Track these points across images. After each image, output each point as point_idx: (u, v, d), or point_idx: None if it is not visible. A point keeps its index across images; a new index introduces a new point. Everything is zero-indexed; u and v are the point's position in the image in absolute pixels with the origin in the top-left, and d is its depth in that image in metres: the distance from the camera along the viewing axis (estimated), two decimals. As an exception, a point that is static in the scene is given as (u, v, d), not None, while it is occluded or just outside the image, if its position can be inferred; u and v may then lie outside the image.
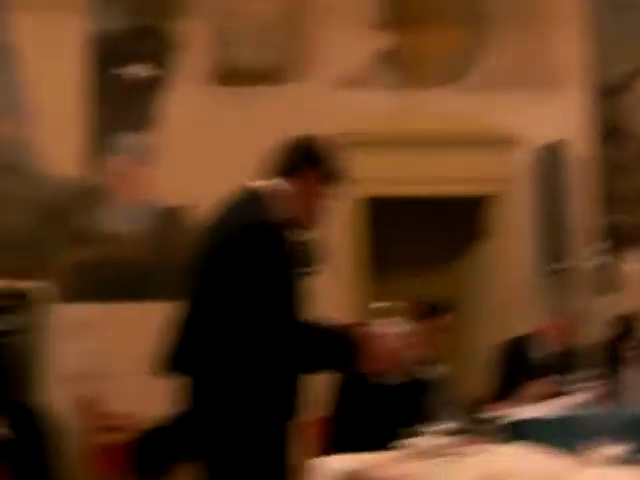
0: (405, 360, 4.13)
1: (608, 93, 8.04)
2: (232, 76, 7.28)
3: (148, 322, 4.53)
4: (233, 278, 3.07)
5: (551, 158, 7.65)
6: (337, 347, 3.17)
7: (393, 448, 3.82)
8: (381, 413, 4.16)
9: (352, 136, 7.47)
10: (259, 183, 3.34)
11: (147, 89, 7.34)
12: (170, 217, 7.17)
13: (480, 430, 4.49)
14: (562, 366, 5.91)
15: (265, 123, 7.26)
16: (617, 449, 2.84)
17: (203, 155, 7.06)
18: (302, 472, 3.93)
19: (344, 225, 7.45)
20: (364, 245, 7.49)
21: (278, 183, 3.31)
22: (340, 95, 7.54)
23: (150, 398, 4.91)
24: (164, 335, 3.24)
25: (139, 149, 7.27)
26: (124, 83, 7.30)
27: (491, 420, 5.19)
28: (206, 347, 3.13)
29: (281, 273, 3.17)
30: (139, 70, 7.33)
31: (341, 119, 7.43)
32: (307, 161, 3.33)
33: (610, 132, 8.03)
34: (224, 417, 3.11)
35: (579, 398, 5.54)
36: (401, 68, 7.74)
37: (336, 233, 7.38)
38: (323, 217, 3.41)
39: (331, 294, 7.29)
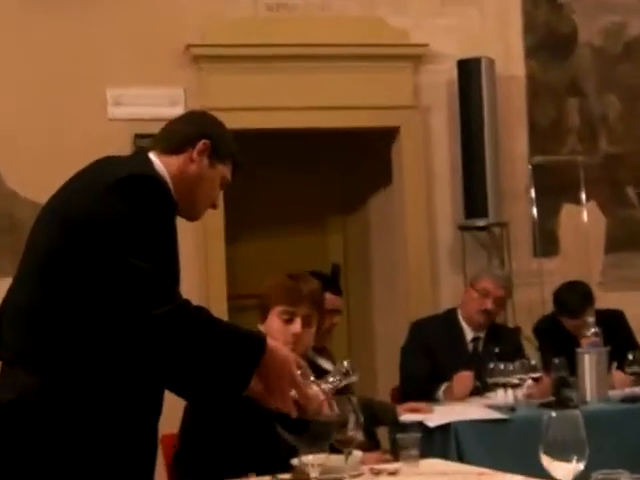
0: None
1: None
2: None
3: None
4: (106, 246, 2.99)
5: (471, 78, 7.60)
6: (240, 348, 3.04)
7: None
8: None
9: (204, 49, 7.33)
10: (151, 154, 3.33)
11: None
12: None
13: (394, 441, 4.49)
14: (493, 351, 5.94)
15: (84, 32, 7.13)
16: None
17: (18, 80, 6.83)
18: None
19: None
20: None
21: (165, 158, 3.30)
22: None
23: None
24: None
25: None
26: None
27: (403, 428, 5.19)
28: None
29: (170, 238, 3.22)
30: None
31: (188, 27, 7.35)
32: (201, 135, 3.35)
33: (549, 43, 8.04)
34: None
35: (508, 396, 5.60)
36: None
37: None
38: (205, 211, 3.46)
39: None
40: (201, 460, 4.05)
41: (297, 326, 4.11)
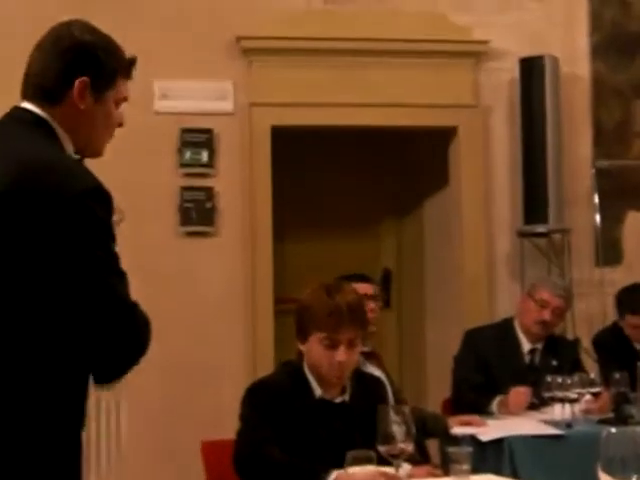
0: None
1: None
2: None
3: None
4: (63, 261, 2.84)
5: (534, 77, 7.57)
6: None
7: None
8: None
9: (255, 42, 7.35)
10: (32, 107, 3.00)
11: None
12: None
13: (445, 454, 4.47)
14: (551, 364, 5.92)
15: (131, 25, 7.18)
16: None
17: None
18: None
19: (238, 167, 7.34)
20: (266, 195, 7.34)
21: (49, 110, 2.99)
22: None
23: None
24: None
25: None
26: None
27: (455, 442, 5.17)
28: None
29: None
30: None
31: (239, 19, 7.39)
32: (76, 71, 3.01)
33: (616, 42, 8.00)
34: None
35: (565, 411, 5.57)
36: (326, -53, 7.61)
37: (226, 178, 7.30)
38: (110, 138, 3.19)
39: (216, 263, 7.23)
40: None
41: (341, 354, 4.05)
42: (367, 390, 4.26)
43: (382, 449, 3.63)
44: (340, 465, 3.71)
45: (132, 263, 7.62)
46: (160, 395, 7.08)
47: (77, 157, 3.09)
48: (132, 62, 3.25)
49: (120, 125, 3.20)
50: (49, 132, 2.99)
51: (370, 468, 3.63)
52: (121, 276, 2.99)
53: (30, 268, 2.82)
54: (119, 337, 2.89)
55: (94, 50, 3.06)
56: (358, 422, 3.99)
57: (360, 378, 4.29)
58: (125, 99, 3.21)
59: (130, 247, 7.17)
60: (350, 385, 4.15)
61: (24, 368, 2.86)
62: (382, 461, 3.77)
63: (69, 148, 3.06)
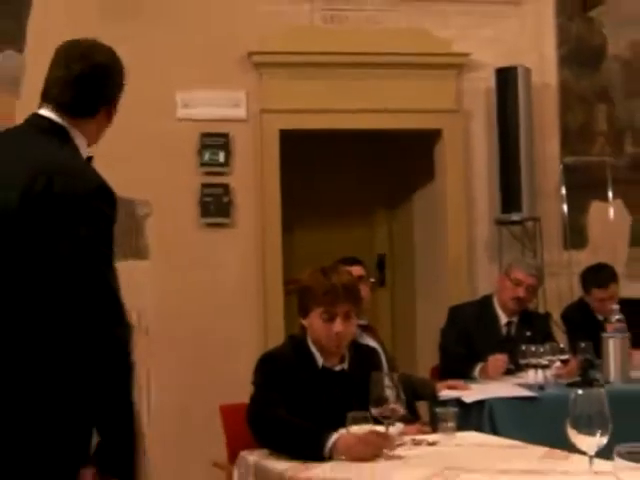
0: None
1: (580, 6, 8.00)
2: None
3: None
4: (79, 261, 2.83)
5: (508, 85, 7.56)
6: None
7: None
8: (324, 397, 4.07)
9: (264, 56, 7.35)
10: (50, 114, 3.06)
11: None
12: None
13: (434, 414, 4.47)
14: (525, 335, 5.92)
15: (156, 42, 7.18)
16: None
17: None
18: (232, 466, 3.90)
19: (251, 166, 7.34)
20: (275, 191, 7.34)
21: (76, 122, 3.08)
22: (248, 5, 7.38)
23: None
24: None
25: (4, 72, 7.01)
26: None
27: (442, 403, 5.18)
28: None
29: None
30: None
31: (250, 36, 7.37)
32: (104, 100, 3.17)
33: (580, 54, 7.99)
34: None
35: (538, 376, 5.58)
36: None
37: (240, 176, 7.29)
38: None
39: (232, 251, 7.23)
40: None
41: (338, 325, 4.07)
42: (364, 359, 4.26)
43: (375, 411, 3.65)
44: (339, 425, 3.73)
45: (160, 250, 7.65)
46: (184, 365, 7.09)
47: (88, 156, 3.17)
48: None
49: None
50: (64, 137, 3.04)
51: (366, 427, 3.65)
52: (114, 271, 2.91)
53: (41, 260, 2.81)
54: (107, 319, 2.86)
55: (112, 74, 3.22)
56: (355, 388, 3.99)
57: (357, 349, 4.30)
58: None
59: (157, 236, 7.23)
60: (348, 355, 4.16)
61: (36, 347, 2.83)
62: (377, 422, 3.79)
63: (84, 149, 3.13)
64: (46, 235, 2.82)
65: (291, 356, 4.17)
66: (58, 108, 3.06)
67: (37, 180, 2.84)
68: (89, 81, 3.12)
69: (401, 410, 3.71)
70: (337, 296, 4.08)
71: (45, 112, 3.06)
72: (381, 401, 3.66)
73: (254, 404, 4.07)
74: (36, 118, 3.08)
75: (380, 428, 3.73)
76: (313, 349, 4.15)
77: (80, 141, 3.10)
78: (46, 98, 3.09)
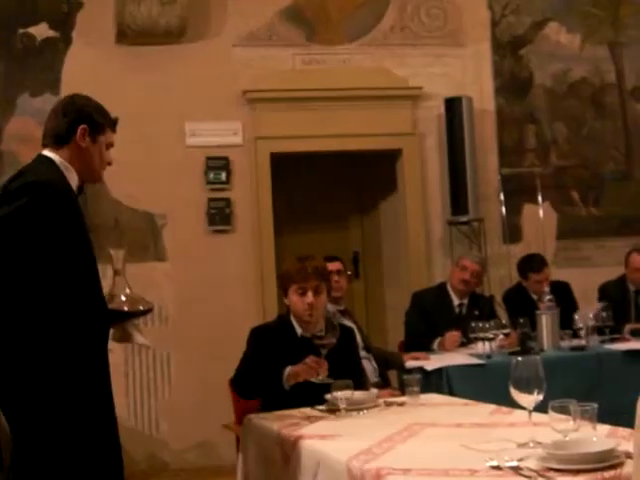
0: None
1: (511, 47, 8.02)
2: (132, 35, 7.03)
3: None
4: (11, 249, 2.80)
5: (455, 112, 7.57)
6: None
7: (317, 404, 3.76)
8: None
9: (256, 93, 7.34)
10: (48, 153, 3.15)
11: (49, 50, 7.04)
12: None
13: (402, 381, 4.45)
14: (474, 314, 5.92)
15: (168, 82, 7.17)
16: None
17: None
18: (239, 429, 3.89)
19: (248, 183, 7.33)
20: (268, 203, 7.33)
21: (63, 153, 3.14)
22: (242, 53, 7.39)
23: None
24: None
25: (44, 111, 6.95)
26: (27, 44, 6.99)
27: (408, 372, 5.18)
28: None
29: (76, 241, 2.96)
30: (41, 30, 7.04)
31: (244, 77, 7.37)
32: (80, 121, 3.17)
33: (512, 85, 8.01)
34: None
35: (486, 347, 5.58)
36: (305, 25, 7.56)
37: (239, 191, 7.28)
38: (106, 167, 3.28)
39: (234, 252, 7.21)
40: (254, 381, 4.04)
41: (309, 297, 4.09)
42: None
43: (317, 342, 3.91)
44: (313, 387, 3.80)
45: (175, 253, 7.62)
46: (199, 345, 7.08)
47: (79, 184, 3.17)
48: (116, 120, 3.32)
49: (109, 164, 3.28)
50: (55, 166, 3.10)
51: (348, 393, 3.65)
52: None
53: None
54: None
55: (89, 110, 3.21)
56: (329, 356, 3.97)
57: (333, 326, 4.28)
58: (112, 144, 3.28)
59: (173, 242, 7.21)
60: (325, 330, 4.12)
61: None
62: (357, 388, 3.78)
63: (72, 177, 3.13)
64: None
65: (275, 327, 4.23)
66: (50, 144, 3.20)
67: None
68: (65, 117, 3.22)
69: (333, 341, 3.90)
70: (307, 274, 4.10)
71: (44, 152, 3.18)
72: (321, 336, 3.92)
73: (238, 368, 4.10)
74: (39, 156, 3.20)
75: (361, 393, 3.77)
76: (294, 322, 4.17)
77: (65, 167, 3.16)
78: (43, 140, 3.23)
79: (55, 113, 3.21)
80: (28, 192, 2.88)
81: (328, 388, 3.71)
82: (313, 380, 3.83)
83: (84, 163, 3.16)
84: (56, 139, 3.15)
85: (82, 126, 3.15)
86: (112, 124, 3.28)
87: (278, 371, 3.88)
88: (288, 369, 3.87)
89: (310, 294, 4.09)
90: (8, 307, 2.79)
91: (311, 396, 3.83)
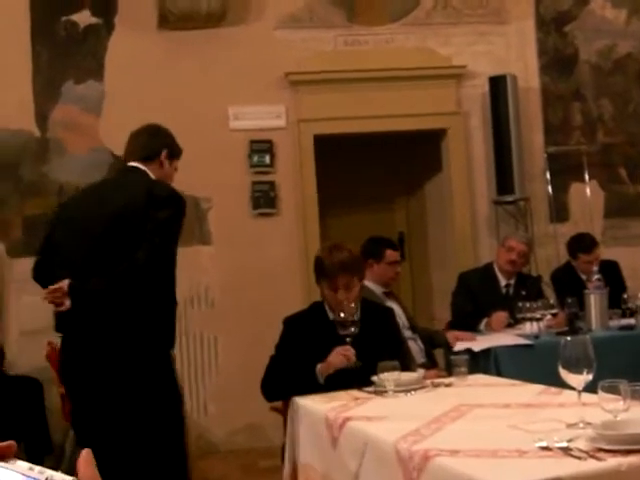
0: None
1: (555, 23, 7.93)
2: (174, 20, 7.05)
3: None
4: (161, 233, 3.68)
5: (499, 90, 7.51)
6: None
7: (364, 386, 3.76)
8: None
9: (298, 76, 7.33)
10: (136, 164, 3.95)
11: (92, 37, 7.09)
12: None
13: (449, 361, 4.44)
14: (521, 294, 5.88)
15: (210, 67, 7.18)
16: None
17: (149, 101, 6.86)
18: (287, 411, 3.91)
19: (291, 166, 7.33)
20: (312, 185, 7.33)
21: (149, 166, 3.96)
22: (284, 35, 7.37)
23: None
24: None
25: (88, 98, 7.02)
26: (70, 31, 7.04)
27: (456, 353, 5.16)
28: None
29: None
30: (84, 17, 7.08)
31: (286, 59, 7.34)
32: (165, 146, 4.01)
33: (557, 62, 7.92)
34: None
35: (533, 327, 5.54)
36: (345, 5, 7.54)
37: (283, 174, 7.29)
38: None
39: (279, 235, 7.24)
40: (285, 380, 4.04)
41: (341, 294, 4.05)
42: (373, 314, 4.22)
43: (342, 332, 3.88)
44: (347, 375, 3.83)
45: (220, 236, 7.67)
46: (244, 327, 7.12)
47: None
48: (181, 150, 4.15)
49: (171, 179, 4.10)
50: (144, 174, 3.94)
51: (395, 374, 3.65)
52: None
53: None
54: None
55: (171, 139, 4.11)
56: (361, 335, 3.95)
57: (369, 307, 4.25)
58: (177, 169, 4.14)
59: (218, 225, 7.24)
60: (359, 311, 4.09)
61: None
62: (404, 369, 3.78)
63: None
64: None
65: (307, 314, 4.25)
66: (138, 159, 4.09)
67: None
68: (154, 142, 4.14)
69: (356, 331, 3.88)
70: (335, 270, 4.06)
71: (132, 163, 4.03)
72: (346, 324, 3.89)
73: (265, 371, 4.16)
74: (128, 167, 4.08)
75: (407, 374, 3.76)
76: (326, 307, 4.17)
77: (151, 175, 4.08)
78: (127, 156, 4.14)
79: (143, 136, 4.03)
80: (176, 201, 3.82)
81: (360, 373, 3.71)
82: (346, 366, 3.82)
83: (162, 177, 3.96)
84: (141, 154, 3.96)
85: (166, 150, 3.99)
86: (180, 154, 4.12)
87: (310, 368, 3.87)
88: (319, 366, 3.87)
89: (341, 291, 4.06)
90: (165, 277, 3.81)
91: (346, 384, 3.84)
